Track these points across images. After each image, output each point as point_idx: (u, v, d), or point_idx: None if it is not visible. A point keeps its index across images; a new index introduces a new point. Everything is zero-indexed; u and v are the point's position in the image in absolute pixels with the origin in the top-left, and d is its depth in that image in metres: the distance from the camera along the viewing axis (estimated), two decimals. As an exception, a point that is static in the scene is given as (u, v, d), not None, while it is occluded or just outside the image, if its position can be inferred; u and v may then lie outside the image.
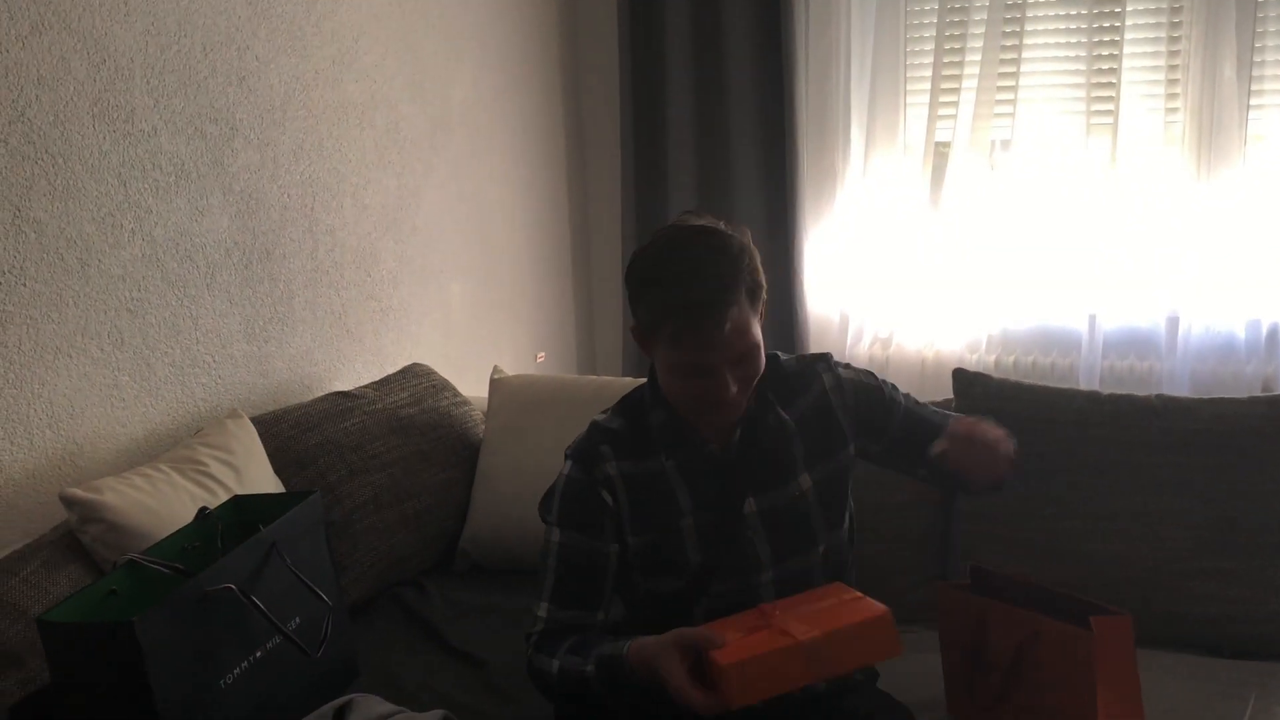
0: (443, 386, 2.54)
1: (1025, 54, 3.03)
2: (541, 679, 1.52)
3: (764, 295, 1.48)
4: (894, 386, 1.66)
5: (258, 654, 1.59)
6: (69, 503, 1.77)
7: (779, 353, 1.62)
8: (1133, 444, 2.00)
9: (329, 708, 1.52)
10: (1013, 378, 2.22)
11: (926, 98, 3.15)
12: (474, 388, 2.68)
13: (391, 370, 2.60)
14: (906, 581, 2.06)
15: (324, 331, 2.55)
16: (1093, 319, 3.08)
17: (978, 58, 3.06)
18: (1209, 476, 1.95)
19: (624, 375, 3.21)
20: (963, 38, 3.09)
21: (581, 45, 3.52)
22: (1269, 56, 2.84)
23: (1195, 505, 1.95)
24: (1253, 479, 1.94)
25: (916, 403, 1.67)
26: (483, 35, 3.08)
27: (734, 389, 1.45)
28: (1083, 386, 2.71)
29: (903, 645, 1.39)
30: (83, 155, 1.95)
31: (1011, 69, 3.05)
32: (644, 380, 1.61)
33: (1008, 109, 3.07)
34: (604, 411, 1.62)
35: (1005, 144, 3.13)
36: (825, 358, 1.64)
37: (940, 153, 3.18)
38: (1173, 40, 2.92)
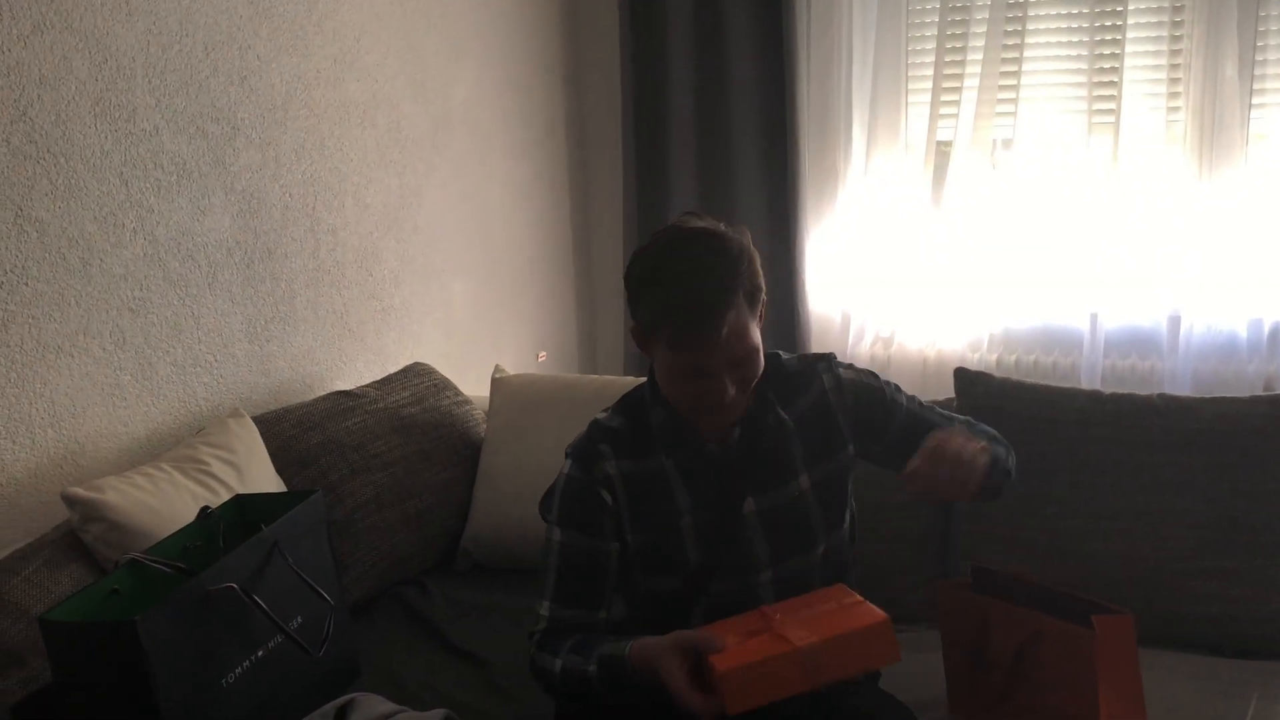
0: (444, 386, 2.54)
1: (1027, 53, 3.02)
2: (544, 678, 1.53)
3: (763, 298, 1.48)
4: (896, 387, 1.65)
5: (259, 653, 1.59)
6: (71, 502, 1.77)
7: (780, 352, 1.62)
8: (1134, 443, 2.00)
9: (330, 707, 1.52)
10: (1014, 377, 2.21)
11: (928, 96, 3.14)
12: (475, 387, 2.68)
13: (393, 369, 2.61)
14: (907, 581, 2.06)
15: (326, 331, 2.55)
16: (1094, 318, 3.07)
17: (979, 56, 3.06)
18: (1211, 476, 1.95)
19: (625, 375, 3.20)
20: (964, 36, 3.09)
21: (583, 44, 3.51)
22: (1270, 55, 2.83)
23: (1197, 505, 1.95)
24: (1254, 478, 1.93)
25: (920, 404, 1.66)
26: (484, 34, 3.08)
27: (732, 391, 1.45)
28: (1084, 386, 2.71)
29: (901, 652, 1.38)
30: (84, 154, 1.95)
31: (1013, 68, 3.04)
32: (644, 379, 1.61)
33: (1009, 108, 3.06)
34: (604, 410, 1.62)
35: (1007, 143, 3.12)
36: (827, 358, 1.63)
37: (942, 152, 3.18)
38: (1174, 39, 2.92)
